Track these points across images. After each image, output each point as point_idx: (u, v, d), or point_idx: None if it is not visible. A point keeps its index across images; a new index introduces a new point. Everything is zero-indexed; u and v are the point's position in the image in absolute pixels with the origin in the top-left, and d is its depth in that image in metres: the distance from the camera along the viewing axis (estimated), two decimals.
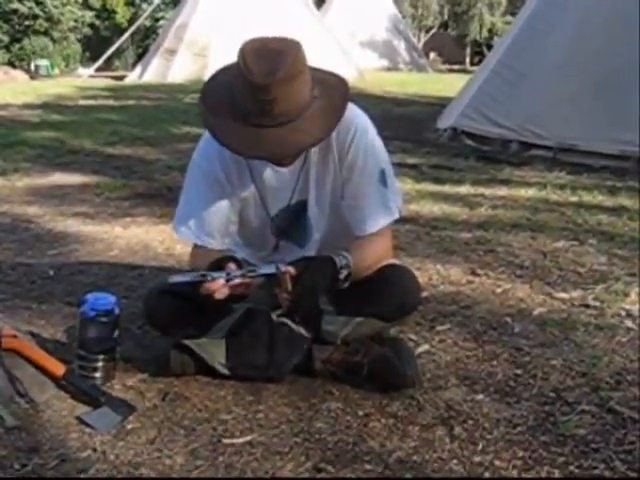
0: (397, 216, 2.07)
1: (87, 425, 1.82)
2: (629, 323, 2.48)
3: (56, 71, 18.96)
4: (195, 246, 2.11)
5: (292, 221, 2.10)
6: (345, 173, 2.01)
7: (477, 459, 1.70)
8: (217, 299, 1.79)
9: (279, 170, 2.02)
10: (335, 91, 1.90)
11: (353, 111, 2.00)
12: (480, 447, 1.75)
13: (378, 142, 2.05)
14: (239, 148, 1.84)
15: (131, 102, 10.36)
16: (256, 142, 1.79)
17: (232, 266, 1.82)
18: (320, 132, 1.84)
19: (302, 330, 2.03)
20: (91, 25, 22.75)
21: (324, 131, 1.85)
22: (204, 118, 1.88)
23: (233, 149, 1.86)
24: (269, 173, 2.03)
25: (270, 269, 1.84)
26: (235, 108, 1.81)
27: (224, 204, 2.05)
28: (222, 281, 1.78)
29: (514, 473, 1.64)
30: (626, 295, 2.73)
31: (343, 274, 1.90)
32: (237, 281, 1.80)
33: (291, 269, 1.81)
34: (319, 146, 1.96)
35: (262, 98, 1.75)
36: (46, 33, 19.91)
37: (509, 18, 24.50)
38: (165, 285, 1.94)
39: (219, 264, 1.85)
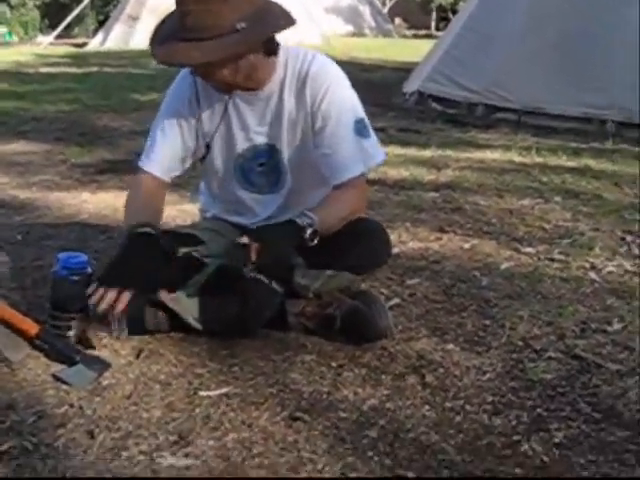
0: (373, 164, 2.15)
1: (63, 382, 1.82)
2: (593, 275, 2.55)
3: (14, 38, 18.51)
4: (138, 176, 2.21)
5: (258, 165, 2.15)
6: (320, 122, 2.06)
7: (449, 405, 1.74)
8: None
9: (253, 109, 2.09)
10: (261, 28, 1.90)
11: (330, 64, 2.09)
12: (451, 394, 1.79)
13: (353, 93, 2.11)
14: (157, 57, 1.92)
15: (94, 69, 10.19)
16: (165, 52, 1.91)
17: None
18: (216, 54, 1.86)
19: (274, 284, 2.05)
20: None
21: (220, 55, 1.87)
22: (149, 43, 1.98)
23: (155, 58, 1.93)
24: (243, 112, 2.10)
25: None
26: (168, 28, 1.94)
27: (179, 139, 2.14)
28: None
29: (484, 417, 1.70)
30: (590, 249, 2.79)
31: (307, 232, 1.93)
32: None
33: (254, 245, 1.88)
34: (293, 91, 2.05)
35: (180, 9, 1.86)
36: None
37: None
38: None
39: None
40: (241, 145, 2.13)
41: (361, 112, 2.11)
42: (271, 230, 1.99)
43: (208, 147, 2.16)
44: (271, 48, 2.00)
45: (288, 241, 1.94)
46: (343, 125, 2.06)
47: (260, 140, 2.12)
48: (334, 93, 2.05)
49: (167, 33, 1.93)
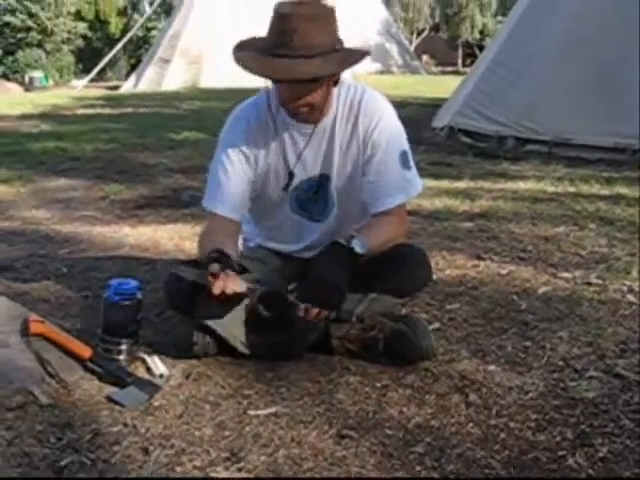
0: (414, 194, 2.20)
1: (116, 403, 1.89)
2: (631, 298, 2.57)
3: (50, 82, 19.01)
4: (210, 219, 2.23)
5: (312, 194, 2.19)
6: (369, 151, 2.13)
7: (492, 422, 1.78)
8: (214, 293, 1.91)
9: (310, 144, 2.14)
10: (356, 51, 2.03)
11: (380, 97, 2.18)
12: (494, 411, 1.83)
13: (400, 126, 2.19)
14: (252, 69, 1.95)
15: (129, 110, 10.43)
16: (269, 67, 1.93)
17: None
18: (327, 69, 1.94)
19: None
20: (84, 36, 22.74)
21: (331, 69, 1.96)
22: (233, 53, 2.01)
23: (249, 70, 1.96)
24: (297, 144, 2.15)
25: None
26: (261, 44, 1.97)
27: (244, 177, 2.17)
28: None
29: (529, 434, 1.72)
30: (627, 273, 2.81)
31: (360, 255, 1.99)
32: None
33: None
34: (345, 123, 2.12)
35: (285, 28, 1.90)
36: (39, 45, 19.96)
37: (500, 18, 24.56)
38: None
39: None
40: (298, 178, 2.20)
41: (406, 144, 2.19)
42: (327, 270, 1.97)
43: (291, 175, 2.19)
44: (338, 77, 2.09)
45: (345, 276, 1.96)
46: (390, 155, 2.13)
47: (315, 172, 2.19)
48: (385, 124, 2.13)
49: (258, 49, 1.97)
